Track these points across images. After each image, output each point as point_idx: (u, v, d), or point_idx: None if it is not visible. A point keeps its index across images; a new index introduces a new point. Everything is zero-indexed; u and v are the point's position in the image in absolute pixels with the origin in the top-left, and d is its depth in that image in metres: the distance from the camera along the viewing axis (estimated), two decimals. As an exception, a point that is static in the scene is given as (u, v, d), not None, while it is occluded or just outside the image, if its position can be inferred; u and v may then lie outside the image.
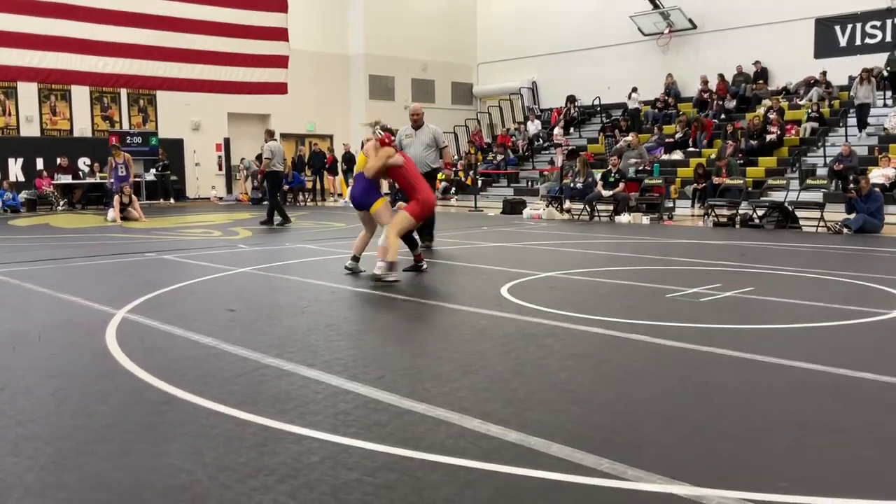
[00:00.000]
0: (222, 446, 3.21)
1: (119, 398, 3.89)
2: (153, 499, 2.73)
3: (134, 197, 17.04)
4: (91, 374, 4.35)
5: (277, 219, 15.05)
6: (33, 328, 5.56)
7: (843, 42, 21.26)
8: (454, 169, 25.74)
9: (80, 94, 22.79)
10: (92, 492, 2.80)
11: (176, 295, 7.04)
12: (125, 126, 23.59)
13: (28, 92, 22.03)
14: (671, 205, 17.26)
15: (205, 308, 6.42)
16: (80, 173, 22.31)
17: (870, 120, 18.81)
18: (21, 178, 21.45)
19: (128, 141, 22.32)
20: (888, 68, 19.37)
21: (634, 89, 24.56)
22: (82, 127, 23.14)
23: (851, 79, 20.45)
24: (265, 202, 22.79)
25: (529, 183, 23.58)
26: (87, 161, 22.48)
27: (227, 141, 25.72)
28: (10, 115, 22.00)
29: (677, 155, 21.01)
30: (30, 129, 22.23)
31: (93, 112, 23.38)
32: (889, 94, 19.79)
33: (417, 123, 10.71)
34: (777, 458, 3.09)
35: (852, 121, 19.23)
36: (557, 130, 25.08)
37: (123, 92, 23.50)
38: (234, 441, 3.27)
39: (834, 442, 3.28)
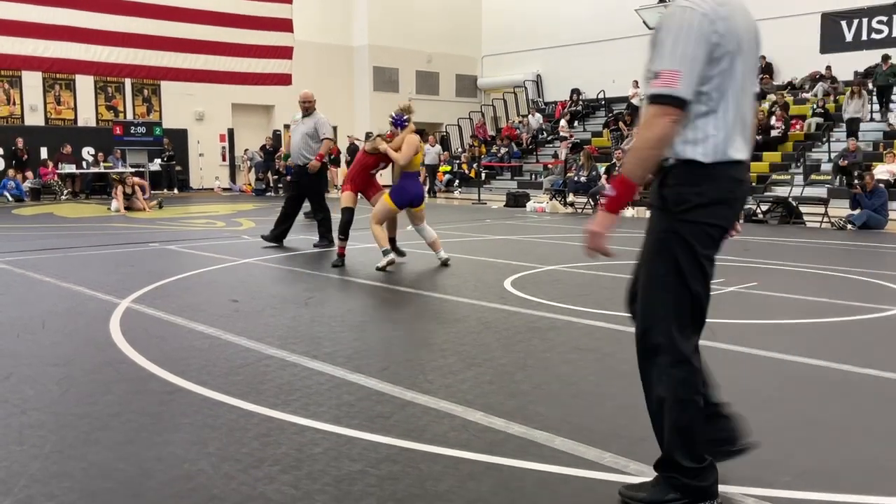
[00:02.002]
0: (226, 436, 3.22)
1: (123, 387, 3.90)
2: (157, 488, 2.74)
3: (138, 188, 17.01)
4: (95, 363, 4.36)
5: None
6: (37, 317, 5.57)
7: (848, 37, 21.19)
8: (457, 161, 25.74)
9: (85, 83, 22.76)
10: (96, 481, 2.81)
11: (180, 285, 7.05)
12: (129, 116, 23.57)
13: (32, 81, 22.01)
14: (675, 199, 17.21)
15: (208, 298, 6.43)
16: (84, 163, 22.30)
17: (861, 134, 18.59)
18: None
19: (132, 131, 22.31)
20: (875, 82, 19.28)
21: (636, 83, 24.48)
22: (86, 116, 23.13)
23: (857, 74, 20.39)
24: (268, 193, 22.96)
25: (533, 176, 23.57)
26: (91, 151, 22.46)
27: (230, 132, 25.70)
28: (14, 104, 22.00)
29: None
30: (34, 119, 22.22)
31: (97, 101, 23.37)
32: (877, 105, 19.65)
33: (308, 111, 10.01)
34: (781, 453, 3.09)
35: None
36: (563, 123, 25.03)
37: (128, 82, 23.47)
38: (237, 431, 3.28)
39: (838, 437, 3.28)
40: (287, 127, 15.57)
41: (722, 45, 2.39)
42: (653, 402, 2.61)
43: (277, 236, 9.98)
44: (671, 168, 2.50)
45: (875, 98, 19.43)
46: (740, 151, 2.49)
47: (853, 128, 18.03)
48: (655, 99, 2.41)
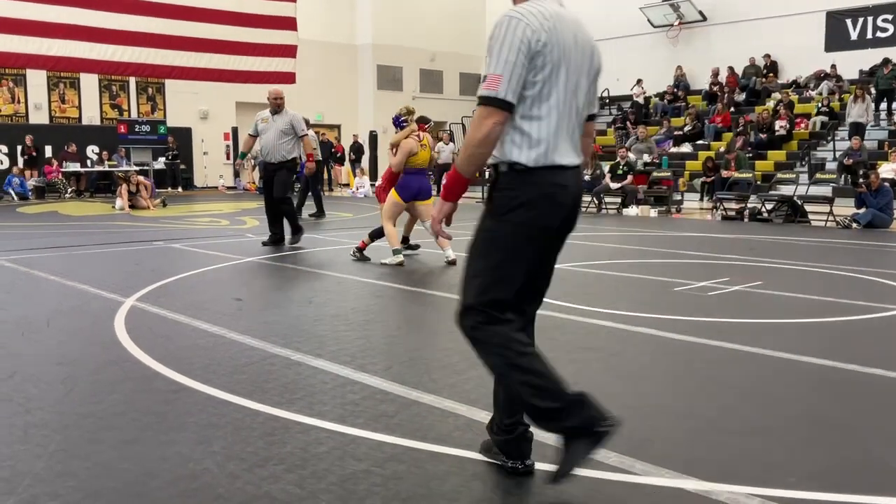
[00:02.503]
0: (230, 435, 3.22)
1: (128, 386, 3.90)
2: (161, 487, 2.74)
3: (143, 186, 17.02)
4: (100, 361, 4.36)
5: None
6: (42, 315, 5.57)
7: (853, 35, 21.14)
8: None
9: (89, 82, 22.78)
10: (100, 480, 2.81)
11: (184, 284, 7.06)
12: (133, 114, 23.60)
13: (37, 80, 22.04)
14: (679, 198, 17.22)
15: (213, 297, 6.43)
16: (89, 161, 22.34)
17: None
18: (30, 166, 21.48)
19: (136, 129, 22.34)
20: (878, 86, 19.05)
21: (639, 81, 24.46)
22: (91, 115, 23.15)
23: (862, 72, 20.33)
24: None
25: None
26: (96, 149, 22.49)
27: (234, 130, 25.72)
28: (19, 102, 22.04)
29: (686, 148, 20.93)
30: (38, 117, 22.24)
31: (101, 100, 23.39)
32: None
33: (279, 108, 9.73)
34: (786, 453, 3.08)
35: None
36: None
37: (132, 80, 23.49)
38: (242, 430, 3.28)
39: (843, 437, 3.27)
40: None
41: (543, 54, 2.55)
42: (496, 376, 2.75)
43: (277, 241, 9.90)
44: (502, 173, 2.66)
45: (877, 101, 19.20)
46: (565, 157, 2.64)
47: (858, 132, 17.85)
48: (482, 101, 2.59)
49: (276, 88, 10.00)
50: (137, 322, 5.36)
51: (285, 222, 9.92)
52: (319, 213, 14.51)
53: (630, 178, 16.56)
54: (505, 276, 2.64)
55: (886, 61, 19.04)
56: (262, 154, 9.93)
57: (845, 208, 13.76)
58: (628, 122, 22.94)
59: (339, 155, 25.27)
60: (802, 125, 19.70)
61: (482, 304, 2.64)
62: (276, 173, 9.76)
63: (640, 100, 24.21)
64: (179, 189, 23.32)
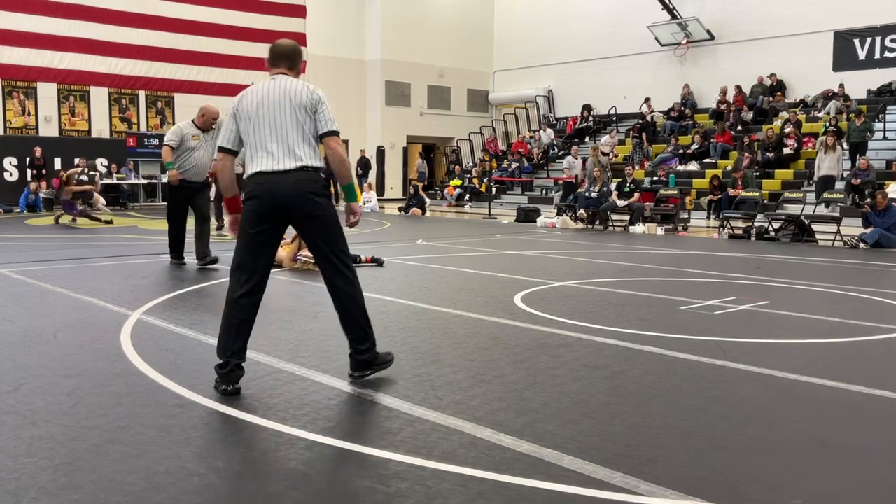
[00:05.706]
0: (235, 451, 3.22)
1: (133, 400, 3.91)
2: (166, 501, 2.74)
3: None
4: (106, 374, 4.37)
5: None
6: (49, 328, 5.59)
7: (861, 55, 21.17)
8: (468, 175, 25.78)
9: (99, 95, 22.94)
10: (105, 493, 2.81)
11: (190, 297, 7.08)
12: (142, 128, 23.73)
13: (47, 92, 22.20)
14: (686, 216, 17.21)
15: (219, 311, 6.40)
16: (98, 174, 22.41)
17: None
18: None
19: (145, 143, 22.46)
20: (850, 138, 18.61)
21: (647, 100, 24.51)
22: (100, 128, 23.29)
23: (870, 92, 20.35)
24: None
25: (544, 191, 23.57)
26: (105, 162, 22.61)
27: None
28: (29, 114, 22.18)
29: (693, 166, 20.94)
30: (48, 130, 22.38)
31: (111, 113, 23.53)
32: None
33: (209, 126, 9.23)
34: (791, 474, 3.07)
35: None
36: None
37: (142, 94, 23.65)
38: (246, 445, 3.28)
39: (849, 459, 3.25)
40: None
41: (238, 114, 4.17)
42: None
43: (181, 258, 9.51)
44: None
45: (852, 154, 18.28)
46: (263, 166, 4.06)
47: (827, 187, 16.73)
48: None
49: (216, 108, 9.47)
50: (144, 335, 5.37)
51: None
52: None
53: (637, 195, 16.56)
54: (241, 244, 4.11)
55: (860, 112, 18.86)
56: (188, 172, 9.12)
57: (853, 228, 13.74)
58: (637, 139, 22.98)
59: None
60: (810, 144, 19.70)
61: (232, 265, 4.13)
62: (201, 192, 9.36)
63: (649, 117, 24.25)
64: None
